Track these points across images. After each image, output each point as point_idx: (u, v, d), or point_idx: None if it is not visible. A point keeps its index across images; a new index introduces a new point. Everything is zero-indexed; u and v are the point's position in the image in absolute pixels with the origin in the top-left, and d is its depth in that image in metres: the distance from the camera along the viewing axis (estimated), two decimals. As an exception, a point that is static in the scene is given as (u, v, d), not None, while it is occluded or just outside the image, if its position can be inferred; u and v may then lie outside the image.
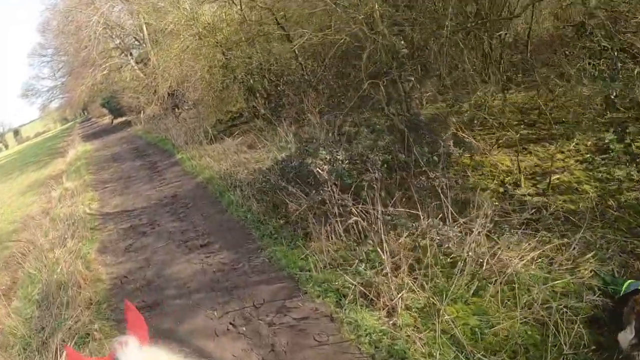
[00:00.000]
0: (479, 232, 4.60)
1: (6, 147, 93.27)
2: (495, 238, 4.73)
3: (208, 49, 13.99)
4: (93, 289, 6.67)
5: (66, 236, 9.27)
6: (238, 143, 12.26)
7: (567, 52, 7.63)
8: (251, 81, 13.78)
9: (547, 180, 5.72)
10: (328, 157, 5.73)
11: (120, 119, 36.02)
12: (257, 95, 13.94)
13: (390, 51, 7.22)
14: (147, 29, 26.15)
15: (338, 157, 5.79)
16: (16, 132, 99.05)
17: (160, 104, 24.97)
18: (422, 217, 5.04)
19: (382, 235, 4.70)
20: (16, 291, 9.10)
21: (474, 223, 4.70)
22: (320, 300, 4.74)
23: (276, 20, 11.38)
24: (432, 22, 7.73)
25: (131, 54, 28.33)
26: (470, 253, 4.53)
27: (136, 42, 29.37)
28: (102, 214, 10.49)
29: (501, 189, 6.11)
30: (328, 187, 5.60)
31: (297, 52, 11.67)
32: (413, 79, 7.35)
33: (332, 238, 5.54)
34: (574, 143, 6.54)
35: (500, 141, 7.06)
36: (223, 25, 14.14)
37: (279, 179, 6.99)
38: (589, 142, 6.41)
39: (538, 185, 5.90)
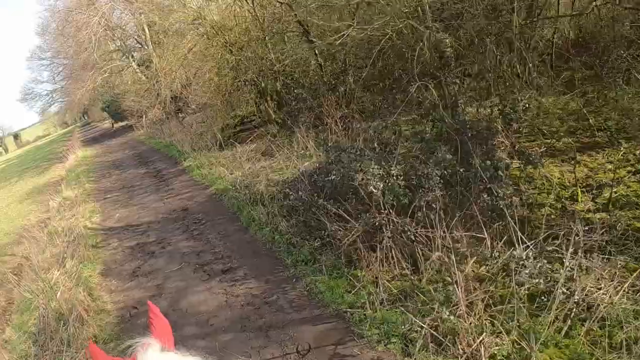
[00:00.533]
0: (568, 262, 3.75)
1: (6, 150, 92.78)
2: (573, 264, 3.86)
3: (216, 50, 13.09)
4: (97, 322, 5.74)
5: (65, 255, 8.37)
6: (251, 150, 11.35)
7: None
8: (262, 84, 12.89)
9: (607, 194, 5.04)
10: (380, 172, 4.81)
11: (121, 123, 35.17)
12: (270, 98, 13.06)
13: (437, 49, 6.36)
14: (149, 30, 25.32)
15: (392, 172, 4.87)
16: (16, 136, 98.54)
17: (162, 107, 24.10)
18: (489, 242, 4.19)
19: (452, 266, 3.81)
20: (10, 315, 8.25)
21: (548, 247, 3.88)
22: (382, 348, 3.84)
23: (296, 16, 10.46)
24: (484, 17, 6.85)
25: (133, 57, 27.42)
26: (561, 288, 3.65)
27: (138, 45, 28.49)
28: (104, 228, 9.57)
29: (559, 205, 5.27)
30: (383, 209, 4.71)
31: (316, 52, 10.80)
32: (458, 81, 6.45)
33: (384, 265, 4.66)
34: (622, 152, 5.83)
35: (547, 149, 6.27)
36: (232, 24, 13.25)
37: (312, 194, 6.06)
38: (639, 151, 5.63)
39: (596, 200, 5.15)
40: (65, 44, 29.41)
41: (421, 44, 6.37)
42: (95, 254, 8.12)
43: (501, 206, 4.56)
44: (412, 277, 4.56)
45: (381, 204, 4.79)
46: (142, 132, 25.01)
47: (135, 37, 27.55)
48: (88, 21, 23.19)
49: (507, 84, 8.26)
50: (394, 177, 4.92)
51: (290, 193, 6.71)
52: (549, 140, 6.65)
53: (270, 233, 6.51)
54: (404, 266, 4.67)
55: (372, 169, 4.87)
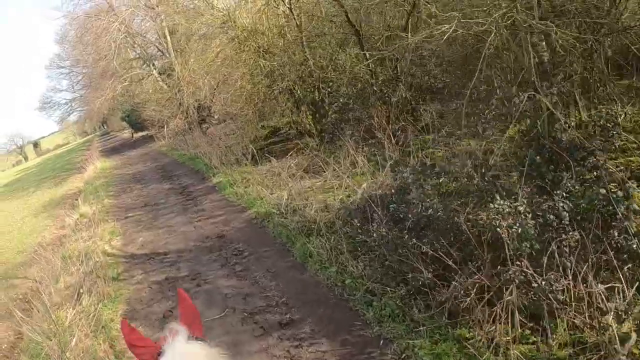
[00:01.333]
0: None
1: (26, 159, 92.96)
2: None
3: (248, 55, 11.88)
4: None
5: (81, 289, 7.16)
6: (291, 165, 10.07)
7: None
8: (298, 92, 11.64)
9: None
10: (508, 209, 3.49)
11: (141, 133, 34.27)
12: (309, 108, 11.80)
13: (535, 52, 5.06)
14: (170, 37, 24.32)
15: (519, 208, 3.55)
16: (36, 144, 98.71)
17: (185, 117, 23.05)
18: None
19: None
20: (19, 355, 7.13)
21: None
22: None
23: (347, 16, 9.21)
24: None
25: (154, 65, 26.44)
26: None
27: (159, 53, 27.51)
28: (126, 255, 8.34)
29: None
30: (514, 256, 3.40)
31: (368, 56, 9.53)
32: (556, 91, 5.12)
33: (502, 323, 3.38)
34: None
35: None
36: (263, 27, 12.06)
37: (393, 229, 4.74)
38: None
39: None
40: (84, 51, 28.53)
41: (522, 45, 5.06)
42: (117, 289, 6.87)
43: (635, 245, 3.42)
44: (539, 339, 3.28)
45: (509, 249, 3.48)
46: (164, 143, 23.93)
47: (157, 44, 26.57)
48: (108, 27, 22.21)
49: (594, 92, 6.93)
50: (523, 215, 3.60)
51: (358, 223, 5.40)
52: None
53: (336, 275, 5.17)
54: (528, 325, 3.39)
55: (498, 204, 3.55)
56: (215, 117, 25.14)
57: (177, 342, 1.47)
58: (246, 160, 12.08)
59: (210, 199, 10.12)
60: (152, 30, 26.54)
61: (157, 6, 23.25)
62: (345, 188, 7.88)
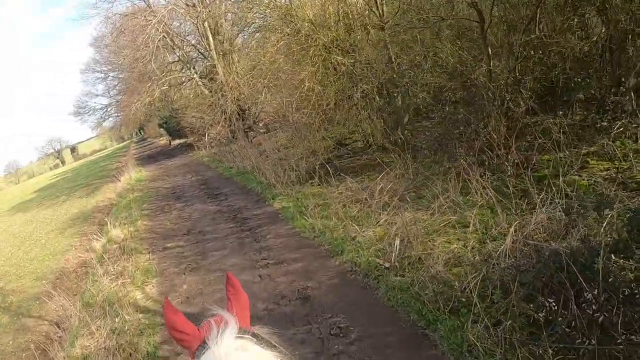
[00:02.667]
0: None
1: (63, 163, 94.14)
2: None
3: (317, 50, 9.52)
4: None
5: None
6: (377, 189, 7.59)
7: None
8: (377, 97, 9.23)
9: None
10: None
11: (178, 141, 32.41)
12: (392, 116, 9.35)
13: None
14: (213, 39, 22.25)
15: None
16: (73, 149, 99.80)
17: (228, 125, 20.87)
18: None
19: None
20: None
21: None
22: None
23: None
24: None
25: (194, 68, 24.36)
26: None
27: (200, 55, 25.51)
28: (166, 313, 5.92)
29: None
30: None
31: (489, 52, 7.06)
32: None
33: None
34: None
35: None
36: (330, 21, 9.72)
37: None
38: None
39: None
40: (120, 54, 26.76)
41: None
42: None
43: None
44: None
45: None
46: (205, 152, 21.79)
47: (197, 46, 24.55)
48: (145, 26, 20.20)
49: None
50: None
51: (551, 303, 2.90)
52: None
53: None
54: None
55: None
56: (261, 124, 22.96)
57: (225, 337, 1.21)
58: (313, 179, 9.68)
59: (275, 232, 7.68)
60: (192, 32, 24.63)
61: (200, 4, 21.23)
62: (475, 229, 5.43)
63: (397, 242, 5.38)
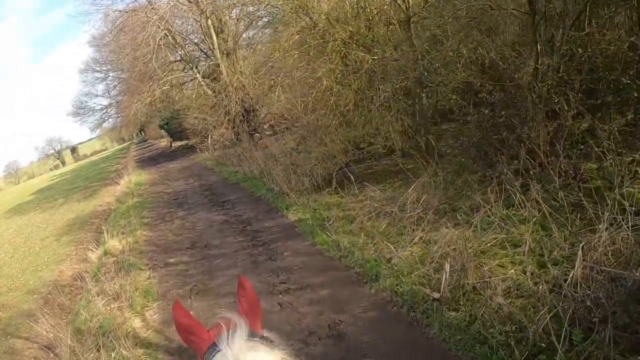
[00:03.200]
0: None
1: (63, 163, 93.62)
2: None
3: (335, 46, 8.63)
4: None
5: None
6: (407, 201, 6.71)
7: None
8: (400, 98, 8.35)
9: None
10: None
11: (179, 143, 31.54)
12: (419, 118, 8.46)
13: None
14: (216, 37, 21.38)
15: None
16: (73, 150, 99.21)
17: (232, 126, 19.98)
18: None
19: None
20: None
21: None
22: None
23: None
24: None
25: (197, 68, 23.44)
26: None
27: (202, 55, 24.64)
28: (168, 349, 5.07)
29: None
30: None
31: (539, 45, 6.18)
32: None
33: None
34: None
35: None
36: (348, 16, 8.85)
37: None
38: None
39: None
40: (121, 53, 25.86)
41: None
42: None
43: None
44: None
45: None
46: (208, 155, 20.89)
47: (200, 45, 23.69)
48: (146, 23, 19.30)
49: None
50: None
51: None
52: None
53: None
54: None
55: None
56: (266, 126, 22.06)
57: (236, 339, 1.22)
58: (330, 187, 8.81)
59: (292, 248, 6.77)
60: (195, 30, 23.78)
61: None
62: (530, 250, 4.58)
63: (447, 267, 4.47)
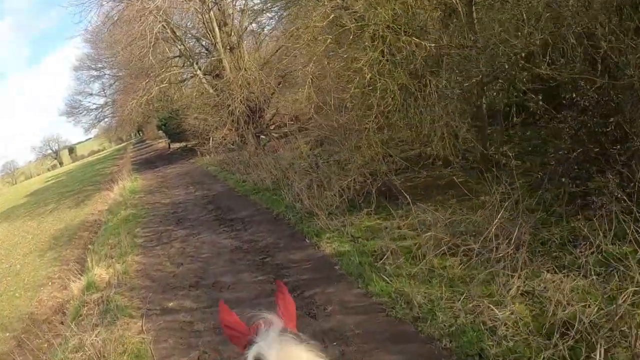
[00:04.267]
0: None
1: (60, 164, 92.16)
2: None
3: (379, 29, 6.77)
4: None
5: None
6: (487, 231, 4.90)
7: None
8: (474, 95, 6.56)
9: None
10: None
11: (178, 144, 29.70)
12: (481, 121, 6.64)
13: None
14: (219, 31, 19.51)
15: None
16: (71, 150, 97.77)
17: (235, 128, 18.11)
18: None
19: None
20: None
21: None
22: None
23: None
24: None
25: (197, 64, 21.45)
26: None
27: (204, 50, 22.74)
28: None
29: None
30: None
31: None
32: None
33: None
34: None
35: None
36: None
37: None
38: None
39: None
40: (115, 48, 23.94)
41: None
42: None
43: None
44: None
45: None
46: (209, 159, 19.01)
47: (202, 39, 21.74)
48: (143, 10, 17.37)
49: None
50: None
51: None
52: None
53: None
54: None
55: None
56: (272, 127, 20.21)
57: (272, 333, 1.40)
58: (370, 206, 7.01)
59: (338, 300, 4.88)
60: (196, 25, 21.85)
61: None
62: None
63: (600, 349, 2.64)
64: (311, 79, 6.72)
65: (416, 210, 6.28)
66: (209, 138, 19.27)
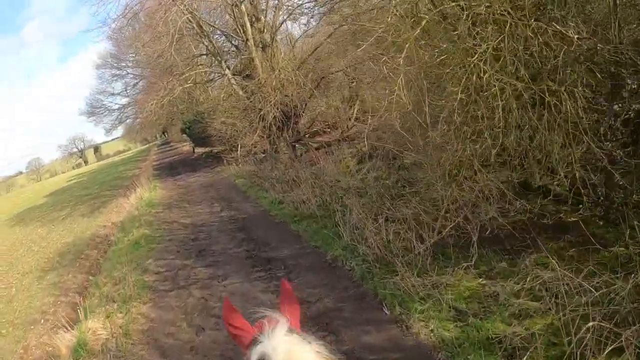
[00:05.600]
0: None
1: (85, 162, 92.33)
2: None
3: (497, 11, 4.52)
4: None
5: None
6: None
7: None
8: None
9: None
10: None
11: (203, 150, 27.79)
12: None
13: None
14: (251, 27, 17.47)
15: None
16: (96, 149, 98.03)
17: (267, 135, 15.99)
18: None
19: None
20: None
21: None
22: None
23: None
24: None
25: (225, 62, 19.33)
26: None
27: (233, 48, 20.69)
28: None
29: None
30: None
31: None
32: None
33: None
34: None
35: None
36: None
37: None
38: None
39: None
40: (137, 44, 22.10)
41: None
42: None
43: None
44: None
45: None
46: (237, 169, 16.87)
47: (231, 35, 19.59)
48: (165, 3, 15.39)
49: None
50: None
51: None
52: None
53: None
54: None
55: None
56: (307, 135, 18.02)
57: (276, 332, 1.37)
58: (468, 258, 4.81)
59: None
60: (224, 21, 19.81)
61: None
62: None
63: None
64: (403, 77, 4.46)
65: (532, 265, 4.20)
66: (237, 145, 17.16)
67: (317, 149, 14.00)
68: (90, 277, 9.52)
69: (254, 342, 1.40)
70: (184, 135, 32.34)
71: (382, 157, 10.12)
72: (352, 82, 16.42)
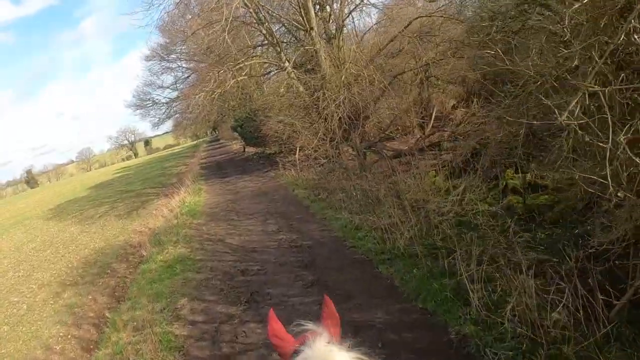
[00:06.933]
0: None
1: (135, 155, 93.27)
2: None
3: None
4: None
5: None
6: None
7: None
8: None
9: None
10: None
11: (254, 149, 25.82)
12: None
13: None
14: (316, 16, 15.19)
15: None
16: (147, 142, 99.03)
17: (330, 138, 13.62)
18: None
19: None
20: None
21: None
22: None
23: None
24: None
25: (285, 55, 16.97)
26: None
27: (293, 39, 18.44)
28: None
29: None
30: None
31: None
32: None
33: None
34: None
35: None
36: None
37: None
38: None
39: None
40: (186, 32, 20.22)
41: None
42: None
43: None
44: None
45: None
46: (294, 175, 14.50)
47: (291, 24, 17.19)
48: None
49: None
50: None
51: None
52: None
53: None
54: None
55: None
56: (374, 140, 15.50)
57: (317, 343, 1.34)
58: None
59: None
60: (285, 5, 17.50)
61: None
62: None
63: None
64: None
65: None
66: (295, 148, 14.85)
67: (393, 157, 11.50)
68: (111, 305, 7.37)
69: (296, 352, 1.38)
70: (235, 133, 30.41)
71: (482, 171, 7.70)
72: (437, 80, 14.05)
